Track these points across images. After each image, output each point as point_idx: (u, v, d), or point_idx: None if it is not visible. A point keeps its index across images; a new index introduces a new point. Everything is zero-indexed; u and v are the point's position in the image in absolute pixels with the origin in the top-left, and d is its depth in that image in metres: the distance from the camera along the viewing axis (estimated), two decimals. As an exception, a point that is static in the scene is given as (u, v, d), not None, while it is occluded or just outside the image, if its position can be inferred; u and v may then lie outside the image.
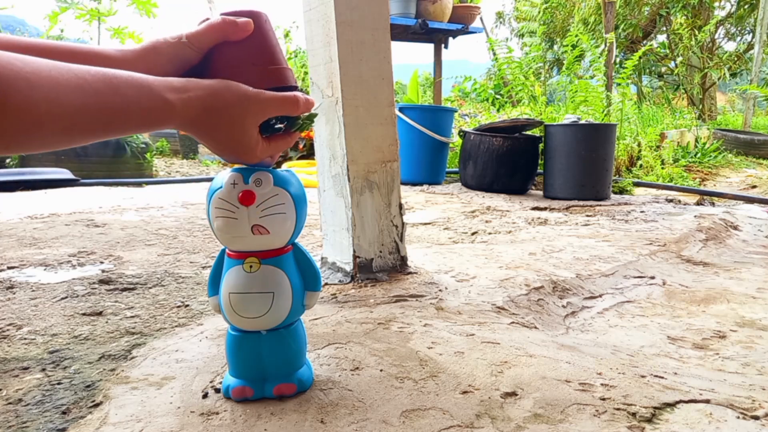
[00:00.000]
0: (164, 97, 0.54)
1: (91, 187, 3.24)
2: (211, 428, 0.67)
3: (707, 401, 0.74)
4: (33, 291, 1.26)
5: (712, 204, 3.11)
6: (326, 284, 1.31)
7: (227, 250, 0.73)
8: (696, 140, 5.68)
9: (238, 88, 0.60)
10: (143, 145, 4.23)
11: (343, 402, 0.73)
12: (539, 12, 10.40)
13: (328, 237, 1.42)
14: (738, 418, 0.70)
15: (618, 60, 6.58)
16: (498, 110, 5.92)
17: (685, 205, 3.03)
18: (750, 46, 9.18)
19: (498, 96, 6.33)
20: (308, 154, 4.47)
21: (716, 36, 9.84)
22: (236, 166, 0.71)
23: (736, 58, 9.67)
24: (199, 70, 0.63)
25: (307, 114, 0.68)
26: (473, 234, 2.12)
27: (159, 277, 1.40)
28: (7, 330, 1.02)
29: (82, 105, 0.48)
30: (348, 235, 1.32)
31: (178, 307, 1.18)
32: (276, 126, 0.67)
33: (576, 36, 4.37)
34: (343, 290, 1.25)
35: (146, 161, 4.22)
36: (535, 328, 1.10)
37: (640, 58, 4.11)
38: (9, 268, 1.45)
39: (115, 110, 0.51)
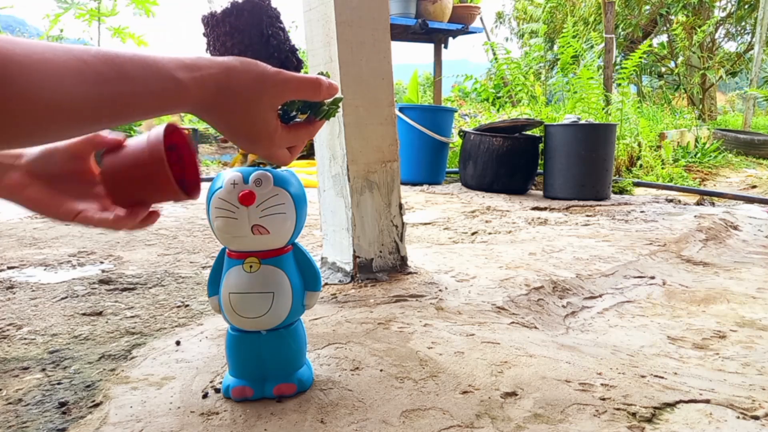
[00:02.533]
0: (175, 76, 0.49)
1: (91, 187, 3.24)
2: (211, 428, 0.67)
3: (707, 401, 0.74)
4: (33, 291, 1.26)
5: (712, 204, 3.11)
6: (326, 284, 1.31)
7: (227, 250, 0.73)
8: (696, 140, 5.68)
9: (256, 67, 0.55)
10: (143, 145, 4.22)
11: (343, 402, 0.73)
12: (543, 12, 10.41)
13: (328, 237, 1.42)
14: (738, 418, 0.70)
15: (618, 60, 6.59)
16: (498, 110, 5.92)
17: (685, 205, 3.03)
18: (750, 46, 9.19)
19: (498, 96, 6.33)
20: (308, 154, 4.47)
21: (716, 36, 9.84)
22: (237, 166, 0.71)
23: (736, 58, 9.67)
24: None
25: (331, 99, 0.62)
26: (473, 234, 2.12)
27: (159, 277, 1.39)
28: (7, 330, 1.02)
29: (83, 90, 0.43)
30: (348, 235, 1.32)
31: (178, 307, 1.18)
32: (295, 116, 0.62)
33: (571, 36, 4.38)
34: (343, 290, 1.25)
35: (146, 161, 4.21)
36: (535, 328, 1.10)
37: (639, 57, 4.10)
38: (9, 268, 1.45)
39: (121, 95, 0.46)
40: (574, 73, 4.26)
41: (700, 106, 9.21)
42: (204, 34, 0.62)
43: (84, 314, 1.12)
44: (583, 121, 3.23)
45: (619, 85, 4.28)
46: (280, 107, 0.58)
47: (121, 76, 0.45)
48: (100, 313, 1.13)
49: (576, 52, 4.39)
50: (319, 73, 0.60)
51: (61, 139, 0.46)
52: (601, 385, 0.78)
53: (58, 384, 0.80)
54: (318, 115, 0.63)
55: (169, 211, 2.45)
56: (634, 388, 0.77)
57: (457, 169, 3.88)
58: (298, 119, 0.62)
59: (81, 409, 0.73)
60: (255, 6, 0.59)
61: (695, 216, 2.45)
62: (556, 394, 0.75)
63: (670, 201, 3.15)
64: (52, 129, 0.43)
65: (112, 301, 1.21)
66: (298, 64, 0.61)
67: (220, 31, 0.59)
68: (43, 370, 0.86)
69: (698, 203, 3.13)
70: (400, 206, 1.38)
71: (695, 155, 5.16)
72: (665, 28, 9.79)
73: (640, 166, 4.28)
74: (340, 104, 0.65)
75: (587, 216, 2.58)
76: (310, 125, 0.62)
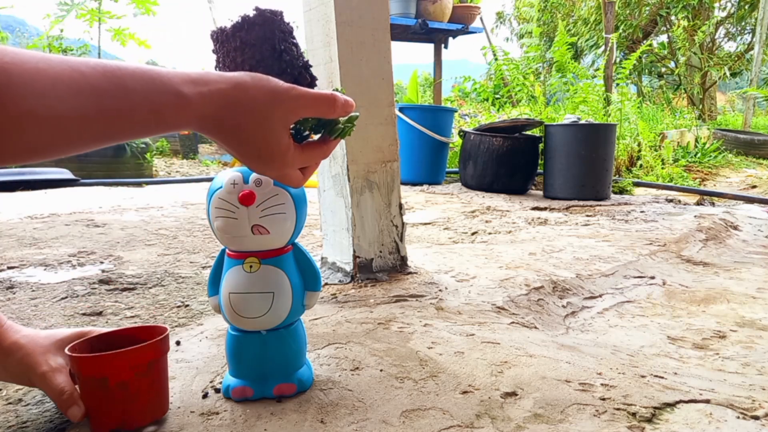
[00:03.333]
0: (179, 91, 0.47)
1: (91, 187, 3.24)
2: (211, 428, 0.67)
3: (707, 401, 0.74)
4: (33, 291, 1.26)
5: (712, 204, 3.11)
6: (326, 284, 1.31)
7: (227, 250, 0.73)
8: (696, 140, 5.69)
9: (268, 82, 0.52)
10: (143, 145, 4.23)
11: (343, 402, 0.73)
12: (538, 12, 10.43)
13: (328, 237, 1.42)
14: (738, 418, 0.70)
15: (618, 60, 6.59)
16: (498, 110, 5.92)
17: (685, 205, 3.03)
18: (750, 47, 9.19)
19: (498, 96, 6.33)
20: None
21: (716, 36, 9.84)
22: (237, 166, 0.71)
23: (736, 58, 9.68)
24: None
25: (346, 117, 0.58)
26: (473, 234, 2.12)
27: (159, 277, 1.39)
28: (7, 330, 1.02)
29: (78, 102, 0.41)
30: (348, 235, 1.32)
31: (178, 307, 1.18)
32: (308, 135, 0.58)
33: (569, 35, 4.41)
34: (343, 290, 1.25)
35: (146, 161, 4.22)
36: (535, 328, 1.10)
37: (639, 58, 4.13)
38: (9, 268, 1.45)
39: (118, 107, 0.43)
40: (574, 74, 4.27)
41: (700, 106, 9.21)
42: (213, 51, 0.59)
43: (84, 314, 1.12)
44: (583, 121, 3.23)
45: (618, 85, 4.29)
46: (292, 125, 0.55)
47: (119, 89, 0.43)
48: (100, 313, 1.13)
49: (571, 51, 4.41)
50: (334, 89, 0.57)
51: (59, 154, 0.43)
52: (601, 385, 0.78)
53: (58, 384, 0.80)
54: (333, 134, 0.59)
55: (169, 211, 2.45)
56: (634, 388, 0.77)
57: (457, 169, 3.89)
58: (311, 138, 0.59)
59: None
60: (267, 20, 0.56)
61: (695, 216, 2.45)
62: (556, 394, 0.75)
63: (670, 201, 3.15)
64: (43, 141, 0.41)
65: (112, 301, 1.21)
66: (311, 81, 0.58)
67: (230, 46, 0.56)
68: (43, 370, 0.85)
69: (698, 203, 3.13)
70: (400, 206, 1.38)
71: (695, 155, 5.16)
72: (665, 29, 9.80)
73: (640, 166, 4.28)
74: (356, 122, 0.60)
75: (587, 216, 2.58)
76: (324, 145, 0.59)
